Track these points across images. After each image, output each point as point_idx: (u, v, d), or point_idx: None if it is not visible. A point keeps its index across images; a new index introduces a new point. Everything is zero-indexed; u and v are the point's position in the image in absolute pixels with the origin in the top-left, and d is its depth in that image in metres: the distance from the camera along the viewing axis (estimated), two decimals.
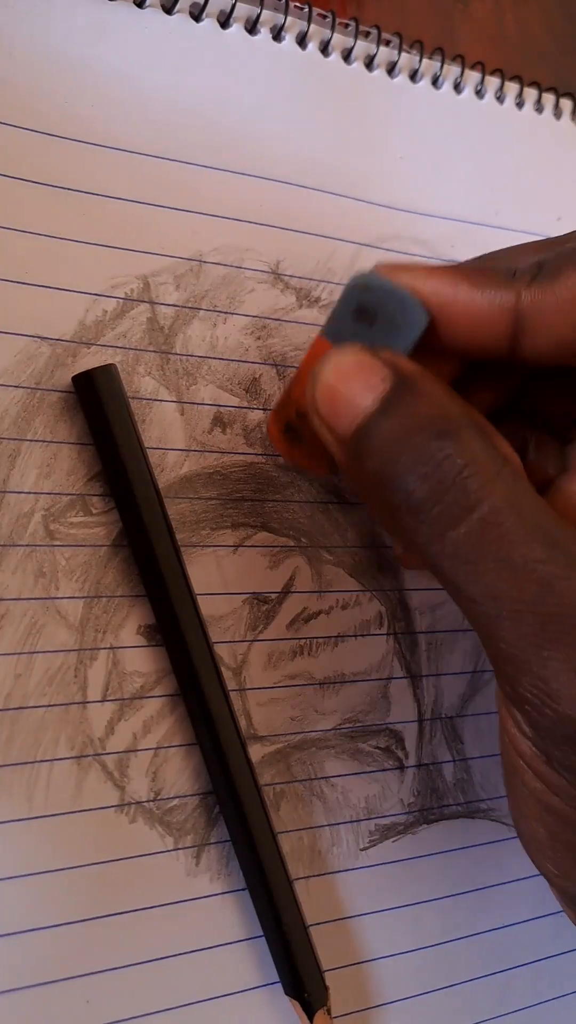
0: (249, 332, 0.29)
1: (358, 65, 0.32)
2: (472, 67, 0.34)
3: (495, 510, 0.21)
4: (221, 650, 0.28)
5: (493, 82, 0.34)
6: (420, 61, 0.32)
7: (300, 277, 0.30)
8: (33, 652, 0.25)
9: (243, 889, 0.27)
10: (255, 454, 0.29)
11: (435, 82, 0.33)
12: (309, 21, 0.30)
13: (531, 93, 0.35)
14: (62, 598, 0.26)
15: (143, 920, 0.26)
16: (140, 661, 0.27)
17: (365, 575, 0.30)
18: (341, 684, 0.30)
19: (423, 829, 0.30)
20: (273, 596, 0.29)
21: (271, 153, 0.30)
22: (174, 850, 0.27)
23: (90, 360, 0.26)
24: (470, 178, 0.34)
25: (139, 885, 0.26)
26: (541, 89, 0.35)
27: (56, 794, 0.25)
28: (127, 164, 0.27)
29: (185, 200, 0.28)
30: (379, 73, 0.32)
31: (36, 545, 0.26)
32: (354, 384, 0.22)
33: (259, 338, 0.29)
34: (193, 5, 0.29)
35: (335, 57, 0.31)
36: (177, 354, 0.28)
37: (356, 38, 0.31)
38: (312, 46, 0.31)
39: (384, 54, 0.32)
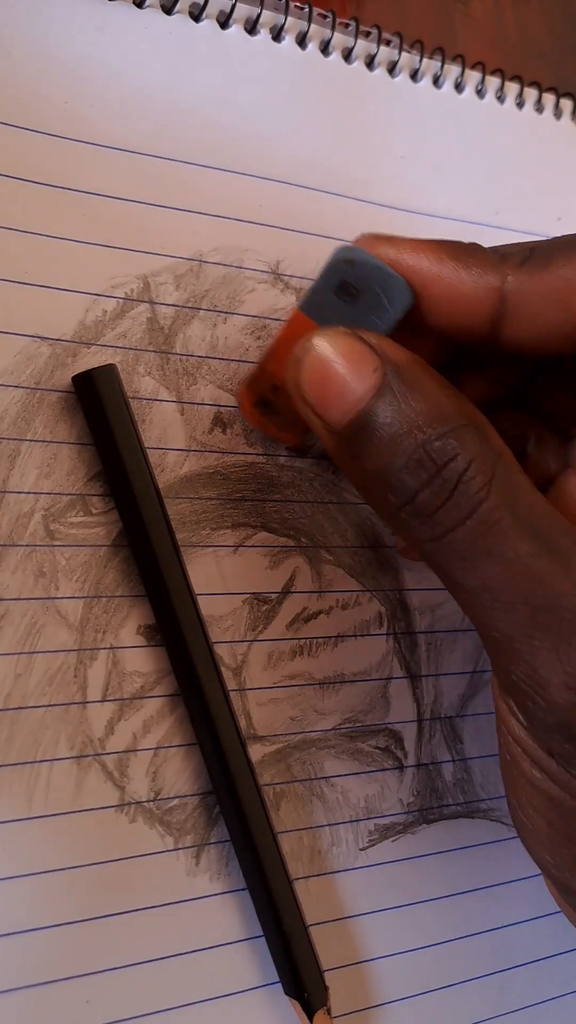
0: (249, 332, 0.29)
1: (359, 64, 0.32)
2: (472, 67, 0.34)
3: (492, 508, 0.21)
4: (221, 650, 0.28)
5: (493, 82, 0.34)
6: (420, 61, 0.32)
7: (300, 277, 0.30)
8: (33, 652, 0.25)
9: (243, 889, 0.27)
10: (255, 454, 0.29)
11: (436, 81, 0.33)
12: (309, 21, 0.30)
13: (531, 93, 0.35)
14: (62, 598, 0.26)
15: (143, 920, 0.26)
16: (140, 661, 0.27)
17: (365, 575, 0.30)
18: (341, 684, 0.30)
19: (423, 829, 0.30)
20: (273, 596, 0.29)
21: (271, 153, 0.30)
22: (174, 850, 0.27)
23: (90, 360, 0.26)
24: (471, 178, 0.34)
25: (139, 885, 0.26)
26: (541, 89, 0.35)
27: (56, 794, 0.25)
28: (127, 164, 0.27)
29: (185, 200, 0.28)
30: (380, 72, 0.32)
31: (36, 545, 0.26)
32: (344, 373, 0.22)
33: (259, 338, 0.29)
34: (193, 5, 0.29)
35: (335, 57, 0.31)
36: (177, 354, 0.28)
37: (356, 38, 0.31)
38: (312, 46, 0.31)
39: (384, 53, 0.32)
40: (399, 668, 0.31)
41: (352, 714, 0.30)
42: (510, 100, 0.34)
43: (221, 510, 0.28)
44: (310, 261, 0.30)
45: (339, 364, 0.22)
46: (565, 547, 0.21)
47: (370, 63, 0.32)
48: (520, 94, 0.35)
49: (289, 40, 0.30)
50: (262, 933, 0.27)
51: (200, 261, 0.28)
